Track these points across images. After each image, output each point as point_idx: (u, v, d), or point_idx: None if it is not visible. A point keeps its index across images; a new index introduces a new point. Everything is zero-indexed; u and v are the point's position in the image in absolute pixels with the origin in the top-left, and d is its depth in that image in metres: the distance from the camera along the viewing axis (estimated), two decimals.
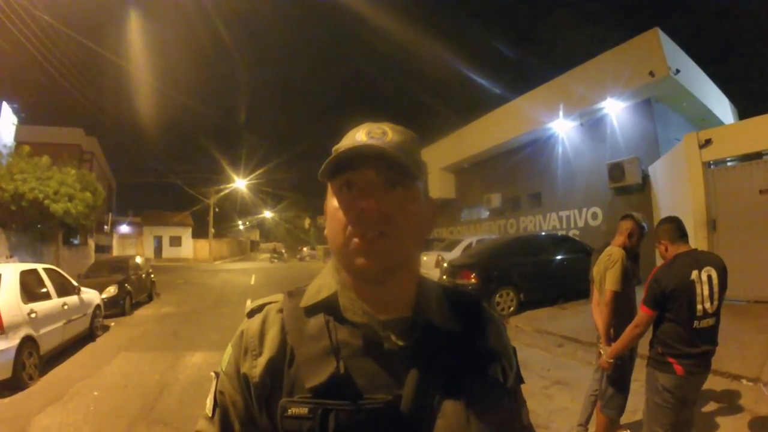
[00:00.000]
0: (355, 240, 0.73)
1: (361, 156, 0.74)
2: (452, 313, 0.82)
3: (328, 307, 0.79)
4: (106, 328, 9.63)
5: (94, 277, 11.96)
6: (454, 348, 0.78)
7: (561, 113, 15.17)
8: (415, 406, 0.72)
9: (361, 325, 0.76)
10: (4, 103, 16.88)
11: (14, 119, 17.55)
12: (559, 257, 10.59)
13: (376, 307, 0.78)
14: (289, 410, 0.71)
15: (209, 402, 0.83)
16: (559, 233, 15.03)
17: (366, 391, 0.71)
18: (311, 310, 0.79)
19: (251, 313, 0.85)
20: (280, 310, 0.82)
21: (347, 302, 0.78)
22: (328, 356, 0.73)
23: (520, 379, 0.90)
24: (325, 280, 0.83)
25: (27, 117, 19.40)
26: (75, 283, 8.39)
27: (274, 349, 0.77)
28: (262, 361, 0.77)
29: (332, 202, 0.78)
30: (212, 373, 0.85)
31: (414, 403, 0.72)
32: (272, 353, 0.77)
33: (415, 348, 0.76)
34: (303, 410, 0.70)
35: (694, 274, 2.73)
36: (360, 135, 0.78)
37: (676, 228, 2.97)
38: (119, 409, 5.14)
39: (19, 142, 16.72)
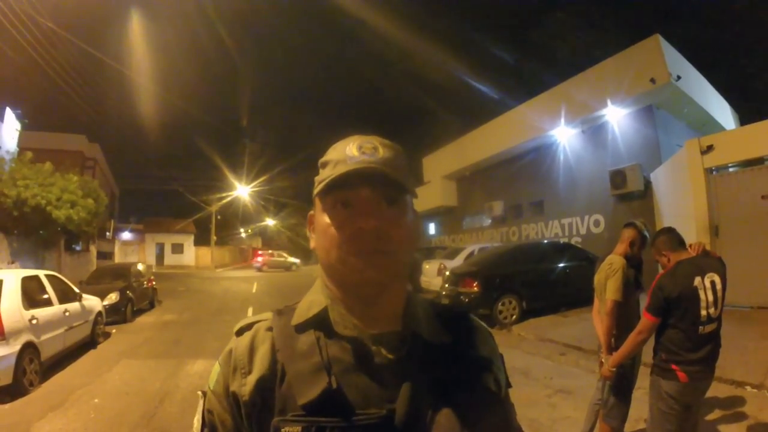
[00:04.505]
0: (351, 257, 0.74)
1: (358, 175, 0.74)
2: (440, 326, 0.83)
3: (319, 322, 0.78)
4: (107, 335, 9.62)
5: (95, 284, 11.97)
6: (444, 360, 0.79)
7: (562, 120, 15.20)
8: (409, 420, 0.71)
9: (351, 339, 0.76)
10: (8, 109, 16.96)
11: (17, 125, 17.63)
12: (561, 265, 10.57)
13: (365, 322, 0.78)
14: (282, 429, 0.70)
15: (196, 422, 0.81)
16: (562, 241, 15.01)
17: (358, 406, 0.71)
18: (302, 327, 0.78)
19: (240, 332, 0.83)
20: (270, 328, 0.81)
21: (338, 317, 0.78)
22: (320, 372, 0.72)
23: (508, 384, 0.90)
24: (314, 297, 0.83)
25: (30, 123, 19.52)
26: (76, 290, 8.39)
27: (265, 367, 0.76)
28: (252, 379, 0.75)
29: (323, 218, 0.77)
30: (199, 393, 0.84)
31: (408, 416, 0.71)
32: (262, 371, 0.76)
33: (405, 361, 0.76)
34: (296, 429, 0.69)
35: (697, 280, 2.73)
36: (351, 149, 0.78)
37: (673, 237, 3.01)
38: (120, 416, 5.12)
39: (22, 148, 16.78)
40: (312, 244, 0.84)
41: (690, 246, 3.00)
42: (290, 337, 0.77)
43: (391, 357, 0.76)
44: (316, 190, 0.78)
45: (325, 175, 0.78)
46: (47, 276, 7.61)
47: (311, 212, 0.85)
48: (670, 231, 3.05)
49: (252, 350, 0.79)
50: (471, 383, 0.79)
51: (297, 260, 38.04)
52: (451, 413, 0.73)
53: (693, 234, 8.28)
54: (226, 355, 0.81)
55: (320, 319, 0.78)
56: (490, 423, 0.77)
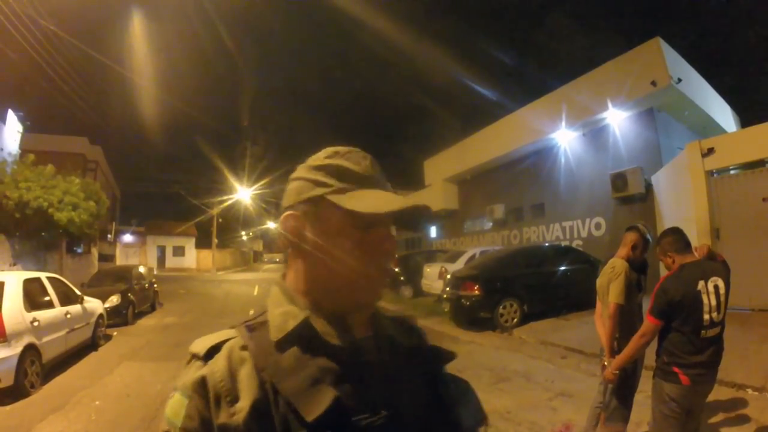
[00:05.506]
0: (377, 275, 0.79)
1: (415, 213, 0.79)
2: (404, 330, 0.89)
3: (301, 335, 0.74)
4: (108, 338, 9.63)
5: (97, 286, 11.98)
6: (419, 358, 0.84)
7: (563, 123, 15.20)
8: (409, 416, 0.75)
9: (338, 348, 0.75)
10: (10, 111, 17.01)
11: (19, 127, 17.66)
12: (562, 268, 10.55)
13: (343, 331, 0.78)
14: None
15: None
16: (563, 244, 14.99)
17: (356, 412, 0.70)
18: (285, 341, 0.73)
19: (209, 354, 0.74)
20: (244, 347, 0.74)
21: (322, 327, 0.76)
22: (318, 384, 0.69)
23: None
24: (285, 309, 0.78)
25: (32, 125, 19.58)
26: (78, 292, 8.41)
27: (254, 389, 0.69)
28: (244, 405, 0.68)
29: (349, 231, 0.77)
30: None
31: (407, 413, 0.75)
32: (254, 395, 0.69)
33: (389, 363, 0.79)
34: None
35: (701, 284, 2.72)
36: (367, 165, 0.83)
37: (680, 239, 2.98)
38: (121, 418, 5.13)
39: (24, 150, 16.81)
40: (327, 258, 0.78)
41: (696, 249, 2.99)
42: (271, 353, 0.72)
43: (376, 360, 0.78)
44: (352, 205, 0.75)
45: (345, 185, 0.79)
46: (49, 278, 7.62)
47: (292, 212, 0.81)
48: (678, 232, 3.02)
49: (232, 373, 0.71)
50: (444, 375, 0.86)
51: None
52: (439, 404, 0.81)
53: (694, 237, 8.27)
54: (197, 384, 0.71)
55: (302, 330, 0.74)
56: (471, 403, 0.86)
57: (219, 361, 0.72)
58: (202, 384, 0.71)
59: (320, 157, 0.83)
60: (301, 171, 0.84)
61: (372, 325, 0.83)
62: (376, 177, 0.82)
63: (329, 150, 0.84)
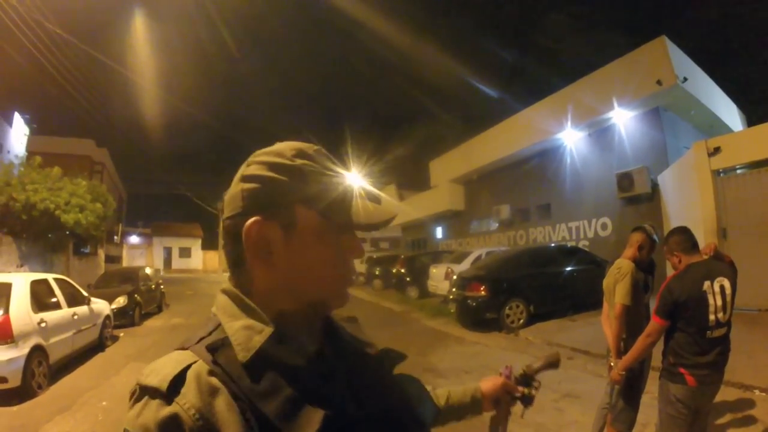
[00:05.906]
0: (350, 278, 0.80)
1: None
2: (354, 336, 0.89)
3: (270, 351, 0.67)
4: (115, 339, 9.68)
5: (103, 288, 12.05)
6: (373, 362, 0.86)
7: (569, 123, 15.14)
8: (382, 422, 0.75)
9: (309, 360, 0.71)
10: (16, 114, 17.13)
11: (26, 130, 17.83)
12: (568, 269, 10.53)
13: (308, 341, 0.75)
14: None
15: None
16: (569, 244, 14.94)
17: (341, 425, 0.68)
18: (255, 362, 0.66)
19: (174, 388, 0.62)
20: (211, 372, 0.65)
21: (290, 340, 0.71)
22: (303, 404, 0.65)
23: None
24: (245, 322, 0.71)
25: (39, 128, 19.74)
26: (85, 294, 8.44)
27: (237, 422, 0.62)
28: None
29: (324, 236, 0.74)
30: None
31: (380, 419, 0.75)
32: (239, 429, 0.61)
33: (352, 369, 0.79)
34: None
35: (706, 284, 2.70)
36: (333, 167, 0.80)
37: (687, 239, 2.96)
38: None
39: (30, 152, 16.95)
40: (318, 265, 0.75)
41: (702, 250, 2.98)
42: (242, 376, 0.65)
43: (342, 368, 0.77)
44: (367, 223, 0.78)
45: (321, 191, 0.75)
46: (56, 279, 7.67)
47: (259, 218, 0.72)
48: (685, 232, 3.00)
49: (210, 407, 0.62)
50: (402, 376, 0.93)
51: None
52: (405, 395, 0.86)
53: (701, 237, 8.22)
54: (166, 426, 0.60)
55: (270, 348, 0.68)
56: (428, 403, 1.00)
57: (189, 394, 0.62)
58: (172, 425, 0.60)
59: (285, 156, 0.75)
60: (258, 169, 0.75)
61: (326, 332, 0.82)
62: (342, 179, 0.78)
63: (292, 147, 0.77)
